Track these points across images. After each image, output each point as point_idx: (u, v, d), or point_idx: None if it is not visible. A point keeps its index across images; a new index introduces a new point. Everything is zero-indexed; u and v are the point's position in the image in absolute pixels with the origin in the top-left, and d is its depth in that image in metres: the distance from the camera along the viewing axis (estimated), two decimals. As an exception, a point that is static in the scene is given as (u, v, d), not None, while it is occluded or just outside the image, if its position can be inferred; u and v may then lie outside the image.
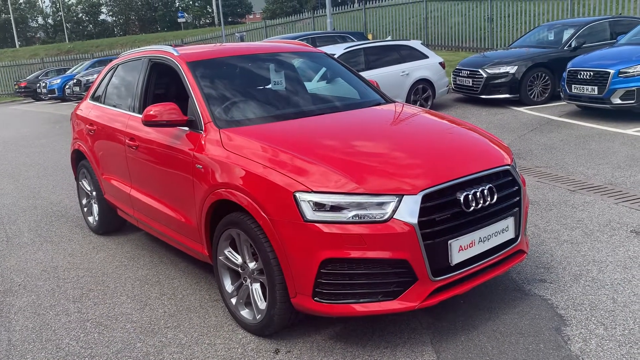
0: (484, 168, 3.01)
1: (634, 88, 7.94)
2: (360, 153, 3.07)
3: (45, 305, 3.79)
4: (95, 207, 5.13)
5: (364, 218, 2.67)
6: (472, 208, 2.84)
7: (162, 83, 4.62)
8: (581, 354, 2.76)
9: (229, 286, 3.33)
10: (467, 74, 10.95)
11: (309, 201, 2.71)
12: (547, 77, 10.34)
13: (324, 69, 4.72)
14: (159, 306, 3.64)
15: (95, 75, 16.12)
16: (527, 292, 3.43)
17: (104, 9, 74.23)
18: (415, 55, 10.67)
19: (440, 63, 10.82)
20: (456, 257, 2.80)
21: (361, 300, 2.73)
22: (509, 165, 3.16)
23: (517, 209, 3.14)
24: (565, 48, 10.45)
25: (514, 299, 3.37)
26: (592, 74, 8.44)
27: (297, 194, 2.73)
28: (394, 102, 4.21)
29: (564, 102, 9.63)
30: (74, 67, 24.93)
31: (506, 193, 3.07)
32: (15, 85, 29.06)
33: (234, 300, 3.29)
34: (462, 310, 3.27)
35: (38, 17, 74.13)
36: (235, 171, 3.06)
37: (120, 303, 3.73)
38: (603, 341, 2.86)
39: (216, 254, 3.33)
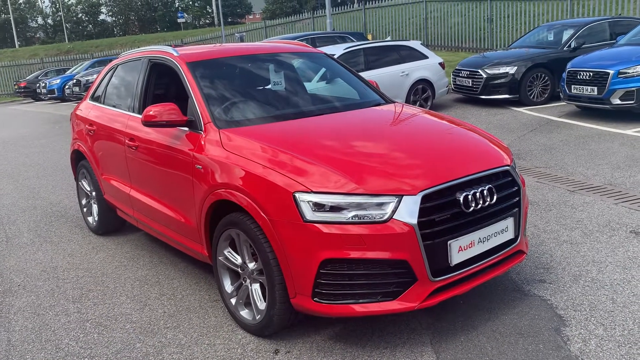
0: (483, 168, 3.01)
1: (633, 88, 7.95)
2: (360, 153, 3.07)
3: (45, 305, 3.79)
4: (94, 208, 5.13)
5: (363, 218, 2.67)
6: (471, 208, 2.85)
7: (161, 83, 4.62)
8: (580, 355, 2.76)
9: (228, 286, 3.33)
10: (467, 74, 10.96)
11: (308, 201, 2.71)
12: (546, 78, 10.34)
13: (323, 70, 4.72)
14: (158, 306, 3.64)
15: (94, 76, 16.16)
16: (527, 293, 3.43)
17: (103, 9, 74.29)
18: (414, 55, 10.67)
19: (439, 63, 10.82)
20: (456, 257, 2.80)
21: (361, 301, 2.73)
22: (508, 165, 3.16)
23: (516, 209, 3.14)
24: (564, 48, 10.46)
25: (513, 299, 3.37)
26: (591, 74, 8.44)
27: (297, 195, 2.73)
28: (394, 102, 4.21)
29: (564, 103, 9.63)
30: (74, 67, 24.93)
31: (506, 193, 3.07)
32: (14, 85, 29.06)
33: (233, 301, 3.29)
34: (461, 311, 3.27)
35: (38, 17, 74.13)
36: (234, 171, 3.06)
37: (119, 303, 3.73)
38: (602, 341, 2.86)
39: (216, 254, 3.33)
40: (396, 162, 2.95)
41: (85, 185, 5.29)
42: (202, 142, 3.39)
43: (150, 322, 3.44)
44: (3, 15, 65.86)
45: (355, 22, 24.39)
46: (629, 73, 8.03)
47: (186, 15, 58.34)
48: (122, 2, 72.05)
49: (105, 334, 3.33)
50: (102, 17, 74.56)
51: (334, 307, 2.75)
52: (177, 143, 3.59)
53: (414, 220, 2.67)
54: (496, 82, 10.41)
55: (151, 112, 3.48)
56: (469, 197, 2.84)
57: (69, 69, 26.09)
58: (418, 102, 10.46)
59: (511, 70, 10.27)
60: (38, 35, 73.66)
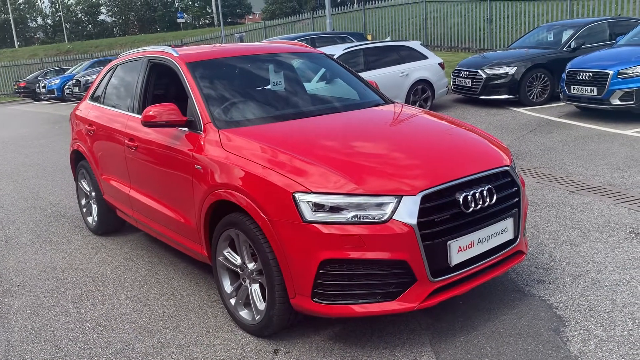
0: (483, 169, 3.01)
1: (633, 89, 7.95)
2: (360, 154, 3.07)
3: (44, 305, 3.79)
4: (94, 208, 5.13)
5: (363, 219, 2.67)
6: (471, 209, 2.85)
7: (161, 83, 4.62)
8: (580, 355, 2.76)
9: (228, 287, 3.33)
10: (467, 74, 10.96)
11: (308, 202, 2.71)
12: (546, 78, 10.35)
13: (323, 70, 4.72)
14: (158, 307, 3.64)
15: (94, 76, 16.14)
16: (526, 293, 3.43)
17: (103, 9, 74.25)
18: (414, 56, 10.68)
19: (439, 64, 10.83)
20: (455, 258, 2.80)
21: (360, 301, 2.73)
22: (508, 166, 3.16)
23: (516, 209, 3.14)
24: (564, 49, 10.46)
25: (513, 299, 3.37)
26: (591, 74, 8.44)
27: (296, 195, 2.73)
28: (393, 102, 4.21)
29: (563, 103, 9.64)
30: (73, 68, 24.94)
31: (505, 194, 3.07)
32: (14, 85, 29.06)
33: (233, 301, 3.29)
34: (461, 311, 3.27)
35: (37, 17, 74.11)
36: (234, 172, 3.06)
37: (119, 304, 3.73)
38: (602, 342, 2.86)
39: (215, 255, 3.33)
40: (396, 163, 2.95)
41: (85, 185, 5.28)
42: (202, 143, 3.39)
43: (149, 322, 3.44)
44: (3, 16, 65.82)
45: (355, 22, 24.41)
46: (628, 73, 8.04)
47: (186, 16, 58.34)
48: (121, 2, 72.05)
49: (105, 335, 3.33)
50: (101, 17, 74.60)
51: (333, 308, 2.75)
52: (177, 143, 3.59)
53: (413, 220, 2.67)
54: (496, 82, 10.42)
55: (151, 113, 3.48)
56: (469, 197, 2.84)
57: (68, 69, 26.10)
58: (418, 103, 10.47)
59: (511, 70, 10.27)
60: (38, 36, 73.66)
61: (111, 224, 5.09)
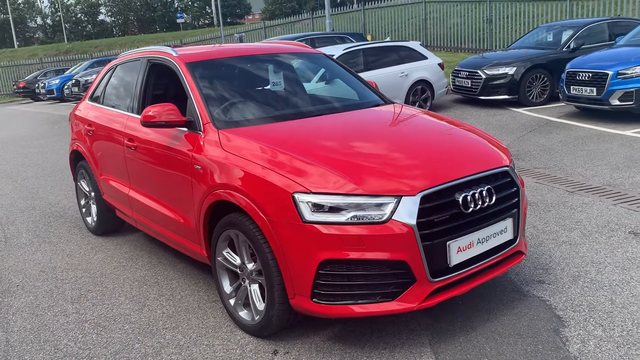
0: (482, 169, 3.01)
1: (632, 89, 7.95)
2: (359, 154, 3.07)
3: (44, 306, 3.78)
4: (93, 208, 5.13)
5: (362, 219, 2.67)
6: (470, 209, 2.85)
7: (160, 84, 4.62)
8: (579, 355, 2.76)
9: (227, 287, 3.33)
10: (466, 75, 10.96)
11: (307, 202, 2.71)
12: (545, 79, 10.35)
13: (322, 70, 4.72)
14: (157, 307, 3.64)
15: (93, 76, 16.14)
16: (526, 293, 3.43)
17: (102, 10, 74.24)
18: (414, 56, 10.68)
19: (439, 64, 10.83)
20: (455, 258, 2.80)
21: (360, 302, 2.73)
22: (507, 166, 3.16)
23: (515, 210, 3.14)
24: (564, 49, 10.47)
25: (512, 300, 3.37)
26: (590, 75, 8.45)
27: (296, 195, 2.73)
28: (393, 103, 4.21)
29: (563, 103, 9.64)
30: (73, 68, 24.92)
31: (505, 194, 3.07)
32: (13, 85, 29.05)
33: (232, 301, 3.29)
34: (460, 312, 3.27)
35: (37, 17, 74.10)
36: (233, 172, 3.06)
37: (118, 304, 3.73)
38: (601, 342, 2.86)
39: (215, 255, 3.33)
40: (395, 163, 2.95)
41: (84, 185, 5.28)
42: (201, 143, 3.39)
43: (149, 322, 3.44)
44: (2, 16, 65.81)
45: (354, 22, 24.42)
46: (628, 74, 8.04)
47: (185, 16, 58.31)
48: (121, 3, 72.02)
49: (104, 335, 3.33)
50: (101, 17, 74.59)
51: (333, 308, 2.75)
52: (176, 143, 3.59)
53: (413, 220, 2.67)
54: (495, 82, 10.42)
55: (150, 113, 3.48)
56: (468, 197, 2.84)
57: (68, 69, 26.08)
58: (417, 103, 10.47)
59: (510, 71, 10.28)
60: (37, 36, 73.63)
61: (110, 224, 5.09)
